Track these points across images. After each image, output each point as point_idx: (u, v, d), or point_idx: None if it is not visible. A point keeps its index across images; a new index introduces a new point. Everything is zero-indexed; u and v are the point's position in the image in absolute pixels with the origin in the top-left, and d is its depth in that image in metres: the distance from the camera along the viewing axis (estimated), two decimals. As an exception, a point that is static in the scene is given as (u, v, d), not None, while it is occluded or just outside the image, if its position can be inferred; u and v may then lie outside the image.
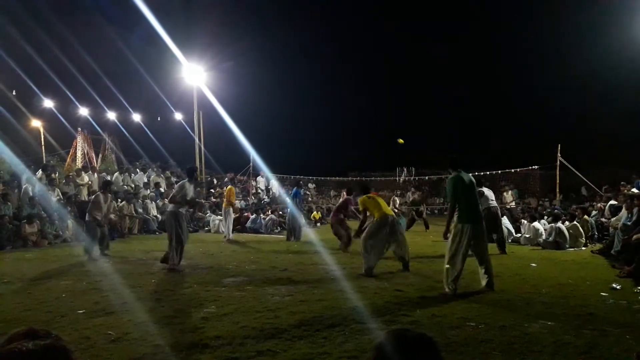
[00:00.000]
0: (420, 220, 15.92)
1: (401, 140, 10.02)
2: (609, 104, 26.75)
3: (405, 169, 24.36)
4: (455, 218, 5.83)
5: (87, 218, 9.06)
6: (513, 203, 16.96)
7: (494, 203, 9.85)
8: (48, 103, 20.58)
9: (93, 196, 9.23)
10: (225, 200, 12.68)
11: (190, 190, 7.61)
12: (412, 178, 24.12)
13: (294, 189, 13.06)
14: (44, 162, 16.39)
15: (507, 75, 35.33)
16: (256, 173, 22.05)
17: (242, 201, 18.29)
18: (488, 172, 18.81)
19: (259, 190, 21.71)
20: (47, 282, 6.42)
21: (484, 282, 5.88)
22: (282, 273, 7.14)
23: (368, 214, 7.49)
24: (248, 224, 14.89)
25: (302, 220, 11.86)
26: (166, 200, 15.20)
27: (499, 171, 19.19)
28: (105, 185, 9.66)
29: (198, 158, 20.63)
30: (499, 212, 10.15)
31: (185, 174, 8.76)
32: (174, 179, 18.84)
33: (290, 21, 41.13)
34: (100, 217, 8.98)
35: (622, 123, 24.19)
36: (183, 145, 23.49)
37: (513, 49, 35.16)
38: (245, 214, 15.73)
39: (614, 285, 6.06)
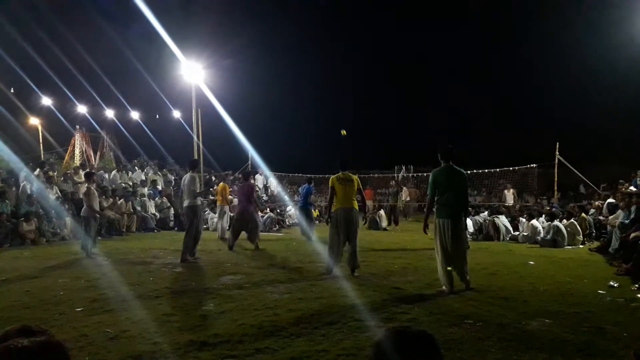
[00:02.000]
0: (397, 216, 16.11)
1: (344, 132, 10.21)
2: (608, 102, 26.81)
3: (403, 167, 24.33)
4: (434, 213, 5.79)
5: (87, 214, 8.86)
6: (512, 202, 16.96)
7: None
8: (46, 101, 20.53)
9: (85, 190, 9.11)
10: (219, 198, 12.57)
11: (198, 181, 8.34)
12: (410, 175, 24.09)
13: (305, 185, 12.87)
14: (42, 159, 16.33)
15: (506, 74, 35.41)
16: (254, 171, 22.03)
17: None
18: (487, 170, 18.82)
19: (257, 189, 21.68)
20: (44, 279, 6.43)
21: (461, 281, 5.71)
22: (280, 271, 7.14)
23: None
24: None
25: (303, 222, 11.86)
26: (165, 199, 15.22)
27: (497, 169, 19.21)
28: (89, 177, 9.61)
29: (196, 156, 20.57)
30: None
31: (188, 166, 8.73)
32: (171, 177, 18.79)
33: (289, 19, 41.10)
34: (97, 208, 9.07)
35: (621, 121, 24.26)
36: (181, 143, 23.43)
37: (511, 47, 35.23)
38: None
39: (611, 283, 6.07)
